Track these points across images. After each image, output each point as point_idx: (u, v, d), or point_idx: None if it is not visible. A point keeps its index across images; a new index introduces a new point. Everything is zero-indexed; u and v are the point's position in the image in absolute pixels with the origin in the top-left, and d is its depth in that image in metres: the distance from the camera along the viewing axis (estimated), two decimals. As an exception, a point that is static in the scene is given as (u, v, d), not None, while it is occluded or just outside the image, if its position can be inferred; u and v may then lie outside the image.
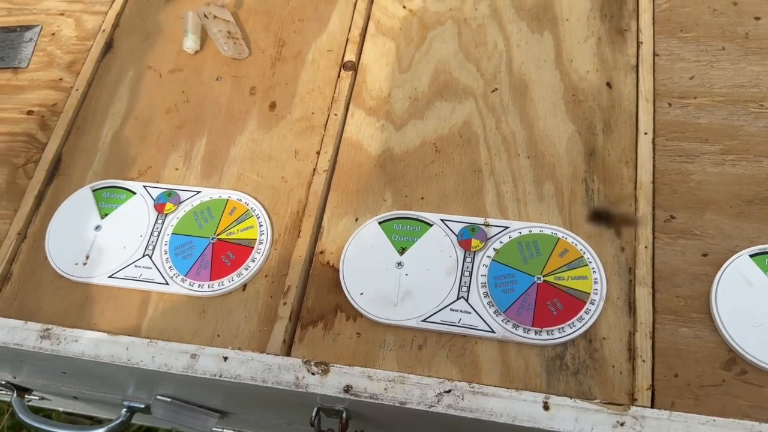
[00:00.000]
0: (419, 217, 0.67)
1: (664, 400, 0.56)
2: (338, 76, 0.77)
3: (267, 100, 0.78)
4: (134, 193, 0.73)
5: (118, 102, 0.81)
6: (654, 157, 0.66)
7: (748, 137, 0.66)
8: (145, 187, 0.73)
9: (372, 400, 0.57)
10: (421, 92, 0.75)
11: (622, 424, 0.53)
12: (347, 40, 0.79)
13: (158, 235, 0.70)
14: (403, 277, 0.64)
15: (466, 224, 0.65)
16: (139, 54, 0.84)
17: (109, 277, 0.69)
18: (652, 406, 0.55)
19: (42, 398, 0.96)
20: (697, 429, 0.52)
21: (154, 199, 0.72)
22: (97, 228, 0.72)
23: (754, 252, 0.60)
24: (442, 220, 0.66)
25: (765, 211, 0.62)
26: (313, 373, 0.58)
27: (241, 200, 0.71)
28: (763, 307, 0.57)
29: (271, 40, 0.82)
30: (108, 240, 0.71)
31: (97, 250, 0.70)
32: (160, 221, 0.71)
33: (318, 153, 0.73)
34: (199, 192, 0.72)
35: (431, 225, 0.66)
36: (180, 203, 0.72)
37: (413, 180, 0.70)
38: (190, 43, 0.81)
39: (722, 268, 0.59)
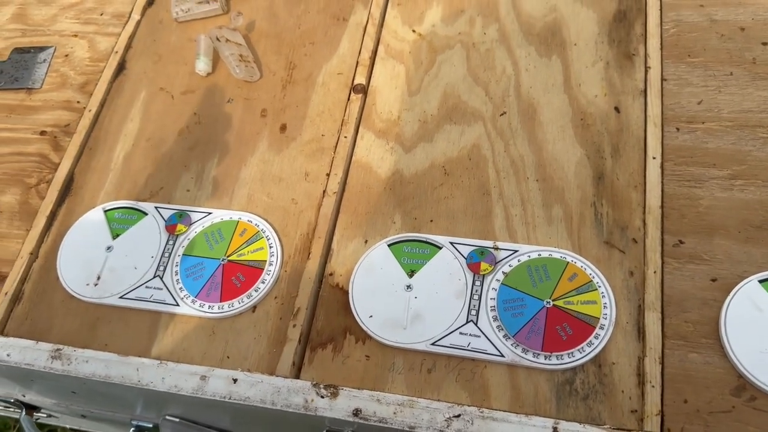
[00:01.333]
0: (428, 240, 0.67)
1: (674, 426, 0.56)
2: (348, 99, 0.78)
3: (278, 122, 0.78)
4: (146, 213, 0.74)
5: (130, 123, 0.82)
6: (662, 182, 0.66)
7: (756, 162, 0.66)
8: (156, 207, 0.74)
9: (381, 424, 0.57)
10: (430, 115, 0.75)
11: (631, 451, 0.53)
12: (357, 63, 0.80)
13: (169, 256, 0.71)
14: (412, 299, 0.64)
15: (475, 247, 0.66)
16: (152, 75, 0.85)
17: (120, 297, 0.69)
18: (661, 432, 0.55)
19: (49, 415, 0.97)
20: (707, 456, 0.52)
21: (165, 220, 0.73)
22: (109, 249, 0.72)
23: (763, 277, 0.60)
24: (451, 243, 0.67)
25: (774, 236, 0.62)
26: (322, 396, 0.59)
27: (251, 222, 0.71)
28: (772, 333, 0.57)
29: (282, 63, 0.83)
30: (119, 260, 0.71)
31: (109, 271, 0.71)
32: (171, 242, 0.71)
33: (328, 175, 0.73)
34: (210, 213, 0.73)
35: (440, 248, 0.66)
36: (191, 224, 0.72)
37: (422, 202, 0.70)
38: (202, 66, 0.82)
39: (731, 294, 0.60)
